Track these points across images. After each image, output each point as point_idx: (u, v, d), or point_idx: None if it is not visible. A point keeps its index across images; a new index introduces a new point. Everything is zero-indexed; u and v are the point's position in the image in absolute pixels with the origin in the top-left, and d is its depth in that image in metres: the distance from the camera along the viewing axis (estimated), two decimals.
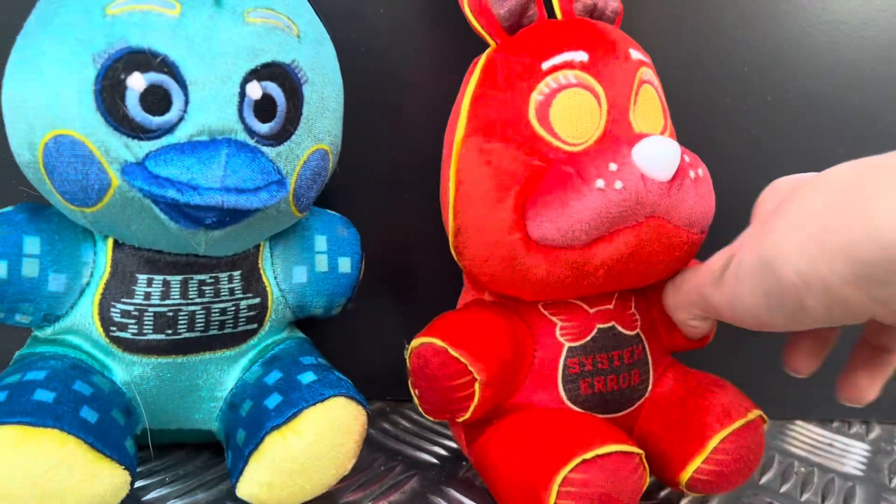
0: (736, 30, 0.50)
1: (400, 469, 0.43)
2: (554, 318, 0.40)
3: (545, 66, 0.38)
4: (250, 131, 0.34)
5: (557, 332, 0.40)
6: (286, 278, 0.40)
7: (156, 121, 0.32)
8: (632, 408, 0.41)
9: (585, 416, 0.38)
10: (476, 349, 0.37)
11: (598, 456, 0.34)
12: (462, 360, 0.36)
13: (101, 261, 0.36)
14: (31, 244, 0.34)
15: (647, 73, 0.39)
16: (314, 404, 0.35)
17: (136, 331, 0.35)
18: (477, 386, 0.36)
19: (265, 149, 0.34)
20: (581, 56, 0.38)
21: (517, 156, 0.37)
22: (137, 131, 0.32)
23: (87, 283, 0.35)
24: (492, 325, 0.39)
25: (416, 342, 0.38)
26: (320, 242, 0.41)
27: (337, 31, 0.40)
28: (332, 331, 0.45)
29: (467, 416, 0.37)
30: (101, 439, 0.31)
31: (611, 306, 0.40)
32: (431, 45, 0.47)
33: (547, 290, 0.38)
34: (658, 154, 0.35)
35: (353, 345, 0.41)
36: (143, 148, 0.32)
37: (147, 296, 0.35)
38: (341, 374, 0.38)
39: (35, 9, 0.34)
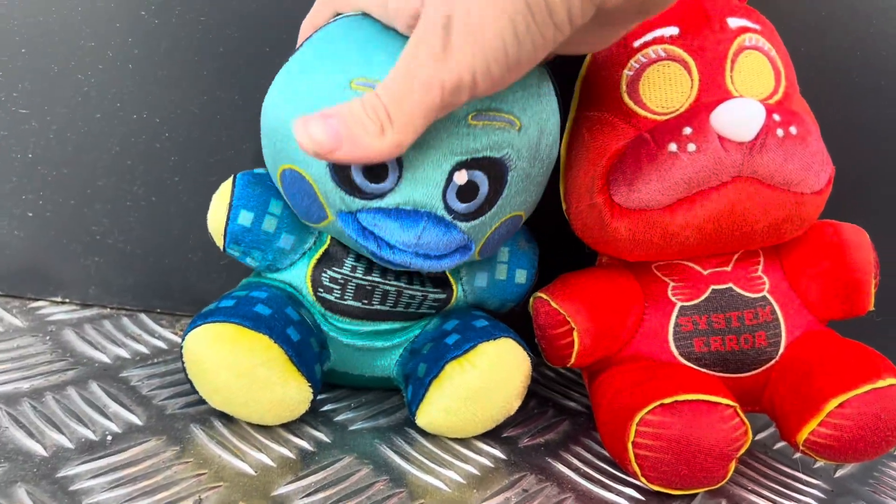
0: None
1: (552, 413, 0.48)
2: (666, 279, 0.43)
3: (636, 43, 0.41)
4: (449, 209, 0.37)
5: (670, 292, 0.43)
6: (469, 281, 0.45)
7: (371, 186, 0.36)
8: (759, 369, 0.42)
9: (685, 369, 0.42)
10: (576, 302, 0.42)
11: (677, 402, 0.37)
12: (561, 311, 0.42)
13: (324, 235, 0.42)
14: (276, 206, 0.42)
15: (753, 38, 0.40)
16: (488, 340, 0.41)
17: (338, 295, 0.42)
18: (575, 335, 0.42)
19: (460, 223, 0.38)
20: (671, 31, 0.40)
21: (611, 128, 0.41)
22: (354, 191, 0.36)
23: (309, 249, 0.42)
24: (596, 282, 0.43)
25: (532, 297, 0.44)
26: (503, 254, 0.45)
27: None
28: None
29: (573, 361, 0.43)
30: (299, 356, 0.39)
31: (728, 268, 0.42)
32: None
33: (638, 250, 0.41)
34: (735, 115, 0.36)
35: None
36: (357, 203, 0.37)
37: (353, 269, 0.42)
38: None
39: (303, 47, 0.38)
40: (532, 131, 0.37)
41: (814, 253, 0.43)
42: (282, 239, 0.42)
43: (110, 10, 0.48)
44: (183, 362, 0.39)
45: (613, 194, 0.39)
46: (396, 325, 0.44)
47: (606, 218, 0.40)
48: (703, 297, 0.42)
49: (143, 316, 0.53)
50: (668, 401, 0.37)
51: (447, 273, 0.44)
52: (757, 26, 0.41)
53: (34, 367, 0.44)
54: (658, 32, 0.41)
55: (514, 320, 0.46)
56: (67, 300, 0.53)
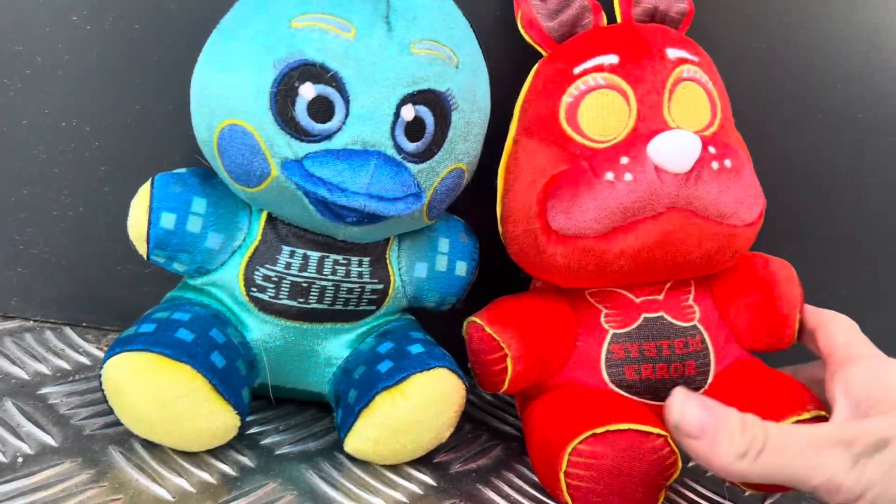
0: None
1: (486, 437, 0.48)
2: (599, 305, 0.43)
3: (576, 70, 0.42)
4: (399, 148, 0.37)
5: (602, 319, 0.43)
6: (408, 271, 0.44)
7: (318, 127, 0.36)
8: None
9: (616, 397, 0.42)
10: (510, 328, 0.42)
11: (610, 431, 0.37)
12: (495, 337, 0.41)
13: (254, 229, 0.41)
14: (199, 204, 0.40)
15: (691, 70, 0.41)
16: (422, 371, 0.40)
17: (273, 294, 0.40)
18: (508, 361, 0.41)
19: (409, 164, 0.38)
20: (611, 59, 0.41)
21: (549, 154, 0.42)
22: (301, 133, 0.36)
23: (239, 247, 0.41)
24: (531, 307, 0.43)
25: (466, 321, 0.44)
26: (443, 244, 0.45)
27: None
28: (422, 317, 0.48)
29: (505, 387, 0.42)
30: (224, 382, 0.38)
31: (660, 296, 0.43)
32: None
33: (572, 277, 0.41)
34: (671, 146, 0.37)
35: (443, 332, 0.45)
36: (303, 149, 0.36)
37: (287, 265, 0.40)
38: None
39: (231, 10, 0.38)
40: (467, 71, 0.39)
41: (744, 285, 0.43)
42: (209, 238, 0.40)
43: (39, 14, 0.46)
44: (102, 390, 0.37)
45: (550, 220, 0.40)
46: (336, 326, 0.43)
47: (542, 244, 0.40)
48: (634, 325, 0.42)
49: (67, 330, 0.51)
50: (599, 430, 0.37)
51: (386, 262, 0.43)
52: (695, 58, 0.42)
53: None
54: (598, 60, 0.41)
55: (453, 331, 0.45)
56: None
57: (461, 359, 0.43)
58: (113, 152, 0.49)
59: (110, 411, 0.38)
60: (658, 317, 0.42)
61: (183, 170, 0.41)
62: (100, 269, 0.51)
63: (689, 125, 0.40)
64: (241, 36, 0.37)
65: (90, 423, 0.40)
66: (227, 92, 0.36)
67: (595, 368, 0.42)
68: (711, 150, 0.37)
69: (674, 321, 0.42)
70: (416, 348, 0.41)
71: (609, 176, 0.38)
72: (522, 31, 0.45)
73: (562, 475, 0.38)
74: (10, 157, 0.48)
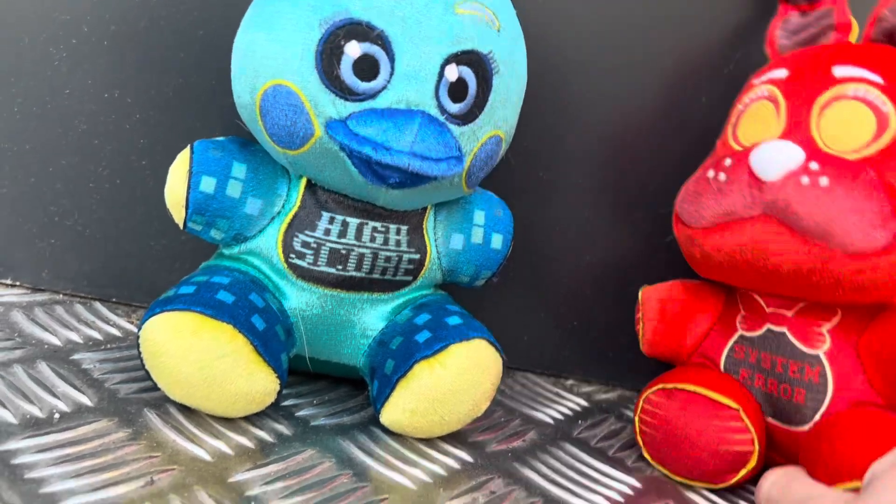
0: None
1: (518, 422, 0.47)
2: (740, 305, 0.45)
3: (755, 81, 0.45)
4: (442, 108, 0.37)
5: (738, 318, 0.45)
6: (445, 242, 0.44)
7: (363, 86, 0.36)
8: (792, 426, 0.42)
9: (724, 376, 0.44)
10: (654, 297, 0.49)
11: (677, 389, 0.42)
12: (640, 300, 0.50)
13: (293, 195, 0.41)
14: (238, 169, 0.40)
15: (862, 89, 0.39)
16: (460, 341, 0.39)
17: (311, 261, 0.40)
18: (642, 323, 0.49)
19: (452, 126, 0.38)
20: (781, 73, 0.42)
21: (714, 152, 0.46)
22: (346, 92, 0.36)
23: (278, 213, 0.41)
24: (684, 289, 0.48)
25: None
26: (479, 217, 0.45)
27: None
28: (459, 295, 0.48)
29: (641, 346, 0.50)
30: (264, 345, 0.37)
31: (789, 313, 0.42)
32: None
33: (693, 263, 0.44)
34: (766, 154, 0.38)
35: (474, 314, 0.45)
36: (347, 108, 0.36)
37: (327, 232, 0.40)
38: None
39: None
40: (508, 36, 0.39)
41: (892, 333, 0.40)
42: (248, 204, 0.40)
43: None
44: (140, 352, 0.37)
45: (678, 206, 0.43)
46: (373, 296, 0.42)
47: (673, 228, 0.45)
48: (759, 332, 0.43)
49: (97, 304, 0.50)
50: (669, 386, 0.42)
51: (423, 232, 0.43)
52: (877, 78, 0.39)
53: None
54: (772, 73, 0.43)
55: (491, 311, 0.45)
56: (18, 283, 0.51)
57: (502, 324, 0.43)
58: (153, 126, 0.49)
59: (145, 377, 0.38)
60: (781, 332, 0.42)
61: (222, 138, 0.41)
62: (133, 244, 0.51)
63: (836, 143, 0.39)
64: (282, 13, 0.37)
65: (125, 387, 0.40)
66: (271, 52, 0.36)
67: (717, 360, 0.45)
68: (813, 165, 0.37)
69: (796, 342, 0.41)
70: (453, 320, 0.41)
71: (710, 174, 0.40)
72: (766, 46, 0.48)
73: (636, 419, 0.45)
74: (50, 127, 0.49)
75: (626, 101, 0.54)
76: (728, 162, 0.39)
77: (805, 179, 0.37)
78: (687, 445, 0.41)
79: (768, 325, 0.42)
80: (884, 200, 0.36)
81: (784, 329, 0.42)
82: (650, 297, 0.49)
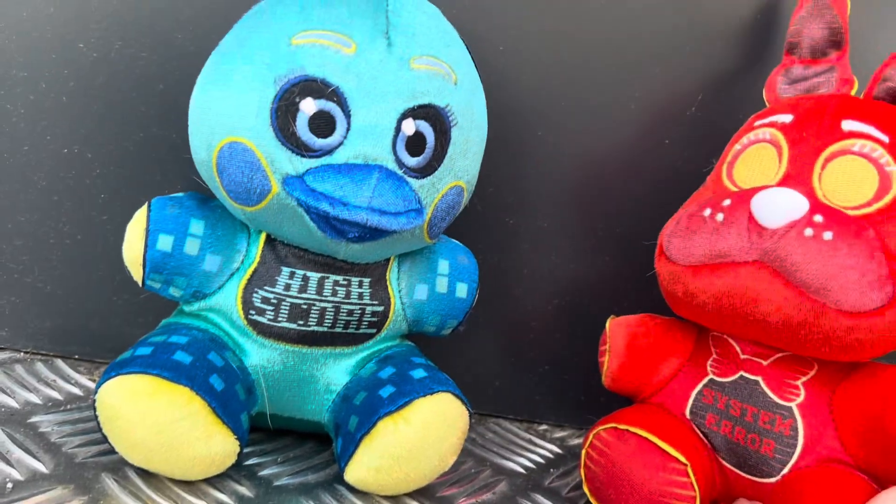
0: None
1: (489, 473, 0.46)
2: (712, 348, 0.44)
3: (757, 123, 0.44)
4: (400, 162, 0.37)
5: (709, 362, 0.44)
6: (409, 293, 0.43)
7: (319, 142, 0.36)
8: (757, 478, 0.41)
9: (684, 424, 0.42)
10: (622, 330, 0.47)
11: (629, 432, 0.40)
12: (606, 331, 0.48)
13: (252, 251, 0.40)
14: (196, 226, 0.39)
15: (867, 146, 0.39)
16: (424, 396, 0.39)
17: (272, 317, 0.39)
18: (607, 355, 0.47)
19: (410, 179, 0.37)
20: (786, 118, 0.42)
21: (703, 191, 0.45)
22: (302, 149, 0.36)
23: (237, 269, 0.40)
24: (654, 324, 0.47)
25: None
26: (443, 266, 0.45)
27: None
28: (422, 346, 0.48)
29: (603, 379, 0.48)
30: (223, 406, 0.36)
31: (765, 362, 0.41)
32: None
33: (670, 300, 0.43)
34: (769, 199, 0.37)
35: (444, 362, 0.44)
36: (304, 164, 0.36)
37: (287, 287, 0.39)
38: None
39: (232, 29, 0.38)
40: (465, 89, 0.39)
41: (866, 392, 0.39)
42: (206, 261, 0.39)
43: (46, 40, 0.47)
44: (96, 416, 0.36)
45: (663, 240, 0.42)
46: (336, 350, 0.42)
47: (656, 261, 0.44)
48: (731, 378, 0.42)
49: (59, 361, 0.50)
50: (622, 426, 0.40)
51: (387, 284, 0.42)
52: (883, 136, 0.39)
53: None
54: (776, 117, 0.43)
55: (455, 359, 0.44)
56: None
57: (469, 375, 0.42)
58: (114, 180, 0.49)
59: (103, 440, 0.37)
60: (755, 381, 0.41)
61: (181, 193, 0.41)
62: (95, 299, 0.50)
63: (836, 197, 0.39)
64: (241, 55, 0.37)
65: (82, 451, 0.39)
66: (227, 109, 0.36)
67: (683, 403, 0.44)
68: (817, 218, 0.36)
69: (769, 392, 0.41)
70: (418, 373, 0.40)
71: (706, 212, 0.39)
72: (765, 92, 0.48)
73: (583, 451, 0.43)
74: (9, 184, 0.48)
75: (589, 144, 0.54)
76: (727, 202, 0.39)
77: (808, 231, 0.36)
78: (627, 490, 0.39)
79: (741, 372, 0.42)
80: (883, 262, 0.36)
81: (759, 378, 0.41)
82: (618, 329, 0.47)
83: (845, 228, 0.36)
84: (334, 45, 0.36)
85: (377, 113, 0.36)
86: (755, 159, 0.42)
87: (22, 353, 0.50)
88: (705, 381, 0.43)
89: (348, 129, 0.36)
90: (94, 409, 0.36)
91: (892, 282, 0.36)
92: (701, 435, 0.43)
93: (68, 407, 0.43)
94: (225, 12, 0.43)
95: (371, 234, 0.37)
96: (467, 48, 0.42)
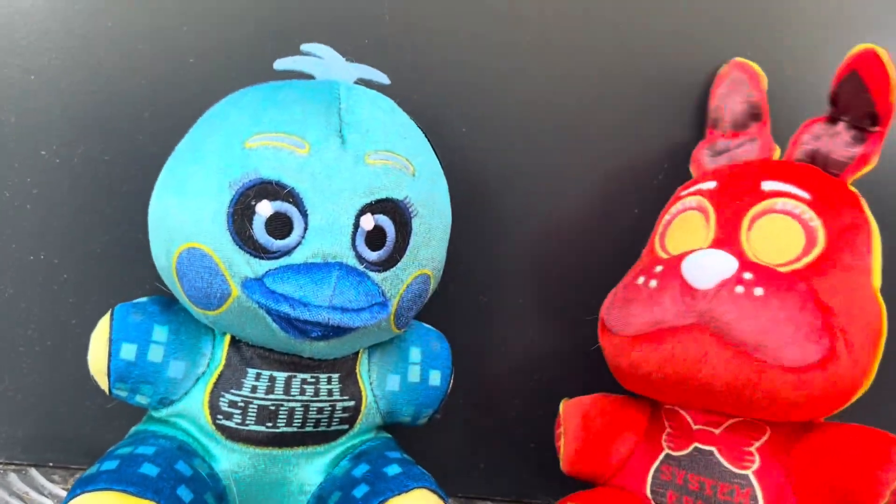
0: None
1: None
2: (665, 422, 0.43)
3: (683, 192, 0.45)
4: (360, 258, 0.37)
5: (664, 436, 0.43)
6: (380, 385, 0.43)
7: (277, 244, 0.36)
8: None
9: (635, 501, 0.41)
10: (576, 411, 0.46)
11: None
12: (560, 417, 0.47)
13: (217, 354, 0.40)
14: (160, 332, 0.39)
15: (789, 204, 0.40)
16: (399, 494, 0.38)
17: (239, 420, 0.39)
18: (562, 438, 0.46)
19: (372, 273, 0.37)
20: (710, 185, 0.43)
21: (639, 264, 0.45)
22: (260, 251, 0.35)
23: (203, 373, 0.40)
24: (607, 403, 0.46)
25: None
26: (415, 354, 0.44)
27: None
28: (403, 432, 0.47)
29: (561, 464, 0.47)
30: None
31: (716, 430, 0.41)
32: None
33: (618, 374, 0.43)
34: (700, 262, 0.37)
35: (426, 447, 0.44)
36: (262, 266, 0.36)
37: (254, 389, 0.39)
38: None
39: (187, 134, 0.38)
40: (424, 178, 0.39)
41: (822, 456, 0.38)
42: (171, 367, 0.39)
43: (9, 148, 0.47)
44: None
45: (604, 314, 0.43)
46: (308, 450, 0.41)
47: (600, 336, 0.43)
48: (686, 451, 0.41)
49: (32, 471, 0.49)
50: None
51: (357, 377, 0.42)
52: (804, 194, 0.40)
53: None
54: (701, 185, 0.44)
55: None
56: None
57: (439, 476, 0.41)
58: (81, 284, 0.49)
59: None
60: (709, 451, 0.40)
61: (144, 298, 0.41)
62: (68, 405, 0.50)
63: (766, 255, 0.39)
64: (195, 160, 0.37)
65: None
66: (183, 216, 0.36)
67: (642, 482, 0.42)
68: (747, 275, 0.37)
69: (724, 462, 0.40)
70: (392, 469, 0.39)
71: (640, 280, 0.40)
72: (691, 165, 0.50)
73: None
74: None
75: (559, 216, 0.54)
76: (659, 269, 0.39)
77: (739, 289, 0.36)
78: None
79: (696, 444, 0.41)
80: (817, 313, 0.36)
81: (713, 448, 0.40)
82: (572, 412, 0.46)
83: (776, 283, 0.36)
84: (288, 147, 0.36)
85: (334, 211, 0.36)
86: (684, 226, 0.42)
87: None
88: (662, 456, 0.42)
89: (306, 229, 0.36)
90: None
91: (829, 334, 0.36)
92: None
93: None
94: (184, 113, 0.43)
95: (334, 331, 0.36)
96: (426, 136, 0.42)
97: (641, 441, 0.44)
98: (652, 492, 0.42)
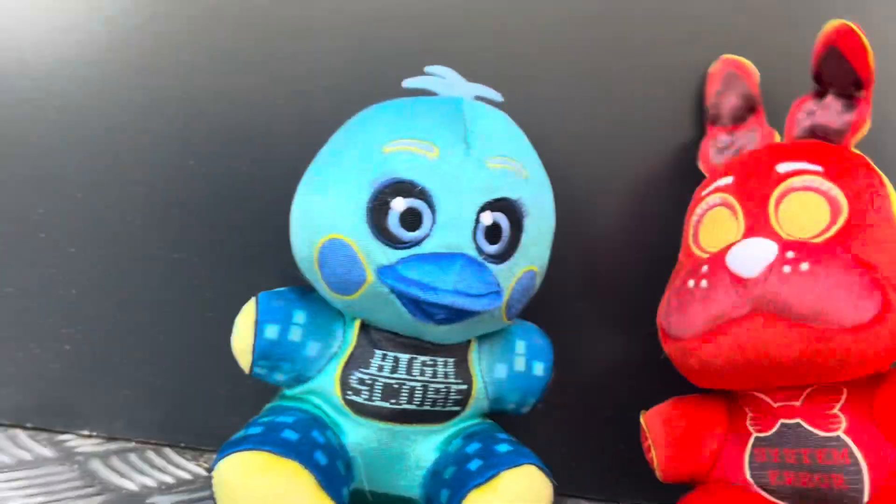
0: None
1: None
2: (745, 408, 0.45)
3: (703, 193, 0.47)
4: (480, 250, 0.41)
5: (748, 422, 0.44)
6: (489, 372, 0.47)
7: (408, 235, 0.40)
8: None
9: (760, 499, 0.42)
10: (657, 420, 0.48)
11: None
12: (644, 427, 0.48)
13: (348, 336, 0.44)
14: (299, 315, 0.44)
15: (808, 180, 0.42)
16: (511, 468, 0.41)
17: (367, 396, 0.43)
18: (652, 448, 0.47)
19: (490, 265, 0.41)
20: (727, 180, 0.45)
21: (680, 266, 0.47)
22: (394, 242, 0.40)
23: (335, 354, 0.44)
24: (685, 406, 0.48)
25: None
26: (520, 346, 0.48)
27: None
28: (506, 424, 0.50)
29: (657, 474, 0.48)
30: (328, 480, 0.40)
31: (797, 403, 0.42)
32: None
33: (691, 376, 0.44)
34: (741, 252, 0.40)
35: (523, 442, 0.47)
36: (395, 255, 0.40)
37: (380, 368, 0.43)
38: None
39: (327, 144, 0.44)
40: (535, 183, 0.44)
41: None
42: (308, 346, 0.44)
43: (158, 158, 0.53)
44: (212, 493, 0.39)
45: (662, 323, 0.44)
46: (425, 427, 0.45)
47: (664, 345, 0.45)
48: (773, 430, 0.43)
49: (167, 450, 0.54)
50: None
51: (469, 364, 0.46)
52: (816, 167, 0.43)
53: (62, 493, 0.45)
54: (718, 182, 0.46)
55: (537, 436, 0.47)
56: (94, 434, 0.54)
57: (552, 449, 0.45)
58: (217, 282, 0.55)
59: None
60: (795, 423, 0.42)
61: (283, 288, 0.46)
62: (199, 392, 0.55)
63: (798, 231, 0.41)
64: (338, 163, 0.42)
65: None
66: (328, 211, 0.41)
67: (740, 469, 0.44)
68: (789, 254, 0.38)
69: (813, 430, 0.41)
70: (503, 447, 0.43)
71: (690, 283, 0.42)
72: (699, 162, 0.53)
73: None
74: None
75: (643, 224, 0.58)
76: (705, 268, 0.41)
77: (786, 268, 0.38)
78: None
79: (781, 421, 0.42)
80: (862, 272, 0.38)
81: (798, 420, 0.41)
82: (654, 421, 0.47)
83: (817, 255, 0.38)
84: (420, 151, 0.41)
85: (459, 207, 0.41)
86: (715, 223, 0.45)
87: (134, 443, 0.54)
88: (752, 441, 0.43)
89: (434, 223, 0.40)
90: (211, 486, 0.39)
91: (878, 287, 0.38)
92: (770, 496, 0.43)
93: (180, 489, 0.47)
94: (310, 130, 0.48)
95: (457, 315, 0.40)
96: (534, 148, 0.46)
97: (728, 432, 0.46)
98: (752, 476, 0.43)
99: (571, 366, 0.57)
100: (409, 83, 0.45)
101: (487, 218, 0.42)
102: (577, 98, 0.57)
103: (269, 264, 0.54)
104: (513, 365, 0.47)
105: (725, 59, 0.54)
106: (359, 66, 0.55)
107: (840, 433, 0.41)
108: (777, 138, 0.49)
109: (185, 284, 0.54)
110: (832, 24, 0.44)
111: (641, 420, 0.48)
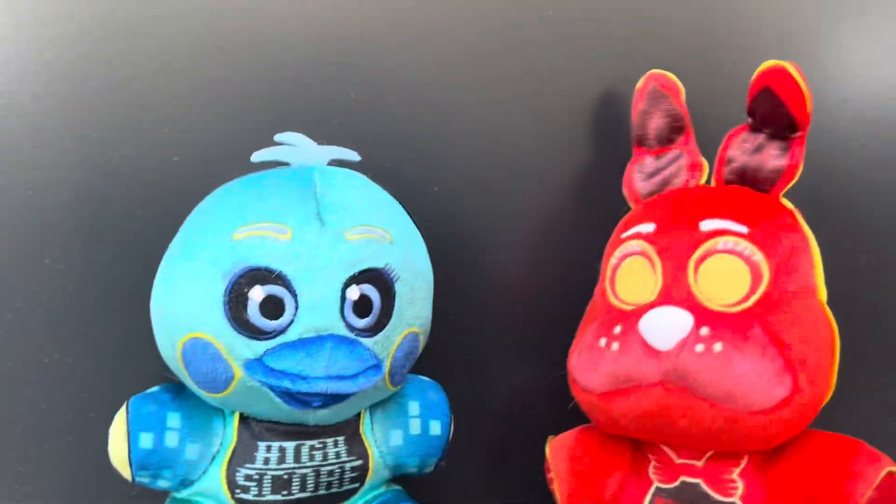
0: None
1: None
2: (649, 455, 0.44)
3: (623, 235, 0.45)
4: (350, 327, 0.40)
5: (651, 469, 0.44)
6: (385, 441, 0.45)
7: (271, 324, 0.39)
8: None
9: None
10: (562, 452, 0.46)
11: None
12: (548, 458, 0.47)
13: (229, 432, 0.43)
14: (173, 419, 0.42)
15: (731, 242, 0.40)
16: None
17: (256, 492, 0.42)
18: (555, 482, 0.46)
19: (363, 339, 0.40)
20: (648, 227, 0.43)
21: (593, 312, 0.45)
22: (257, 333, 0.39)
23: (217, 452, 0.42)
24: (590, 438, 0.46)
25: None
26: (413, 407, 0.46)
27: None
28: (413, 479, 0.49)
29: None
30: None
31: (698, 463, 0.42)
32: None
33: (598, 425, 0.44)
34: (655, 323, 0.38)
35: (433, 493, 0.46)
36: (261, 346, 0.39)
37: (266, 461, 0.42)
38: None
39: (177, 235, 0.42)
40: (401, 244, 0.42)
41: (799, 470, 0.40)
42: (187, 450, 0.42)
43: (14, 260, 0.50)
44: None
45: (572, 371, 0.43)
46: None
47: (571, 389, 0.44)
48: (675, 484, 0.42)
49: None
50: None
51: (361, 437, 0.44)
52: (741, 228, 0.41)
53: None
54: (638, 228, 0.44)
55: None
56: None
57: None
58: (95, 380, 0.52)
59: None
60: (696, 483, 0.41)
61: (155, 388, 0.44)
62: (94, 496, 0.52)
63: (717, 298, 0.39)
64: (188, 256, 0.40)
65: None
66: (183, 309, 0.39)
67: None
68: (703, 331, 0.37)
69: (711, 492, 0.41)
70: None
71: (602, 342, 0.40)
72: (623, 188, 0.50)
73: None
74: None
75: (535, 258, 0.57)
76: (618, 329, 0.40)
77: (699, 347, 0.37)
78: None
79: (682, 477, 0.42)
80: (776, 356, 0.37)
81: (698, 480, 0.41)
82: (558, 455, 0.46)
83: (733, 335, 0.37)
84: (272, 234, 0.39)
85: (321, 288, 0.39)
86: (633, 274, 0.42)
87: None
88: (653, 489, 0.43)
89: (297, 308, 0.39)
90: None
91: (790, 370, 0.37)
92: None
93: None
94: (175, 209, 0.46)
95: (334, 399, 0.39)
96: (400, 203, 0.45)
97: (629, 475, 0.45)
98: None
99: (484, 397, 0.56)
100: (257, 157, 0.43)
101: (354, 293, 0.40)
102: (486, 123, 0.57)
103: (146, 357, 0.51)
104: (408, 429, 0.46)
105: (651, 74, 0.49)
106: (214, 140, 0.53)
107: (736, 499, 0.41)
108: (705, 170, 0.47)
109: (64, 386, 0.51)
110: (767, 65, 0.42)
111: (547, 450, 0.47)
